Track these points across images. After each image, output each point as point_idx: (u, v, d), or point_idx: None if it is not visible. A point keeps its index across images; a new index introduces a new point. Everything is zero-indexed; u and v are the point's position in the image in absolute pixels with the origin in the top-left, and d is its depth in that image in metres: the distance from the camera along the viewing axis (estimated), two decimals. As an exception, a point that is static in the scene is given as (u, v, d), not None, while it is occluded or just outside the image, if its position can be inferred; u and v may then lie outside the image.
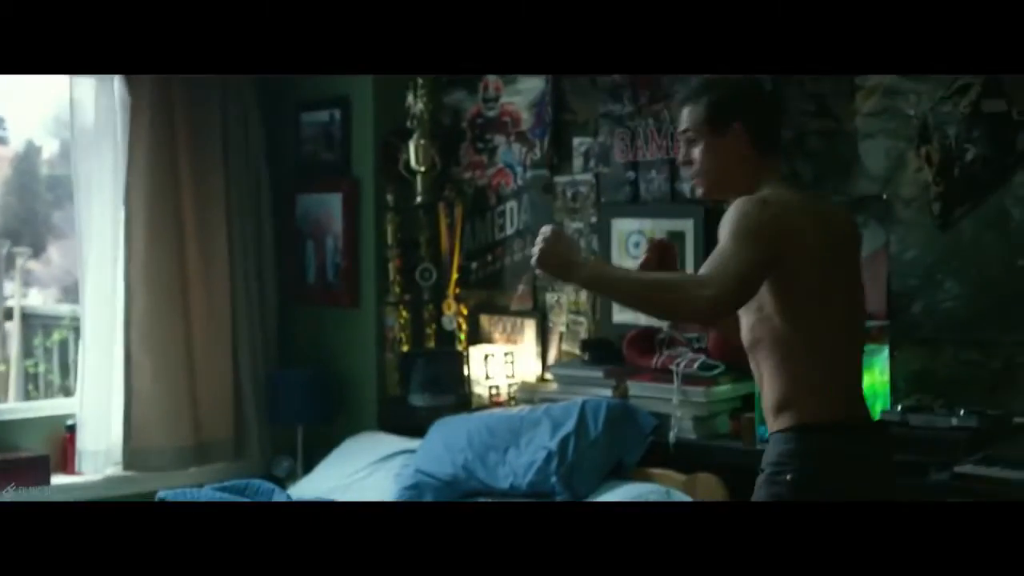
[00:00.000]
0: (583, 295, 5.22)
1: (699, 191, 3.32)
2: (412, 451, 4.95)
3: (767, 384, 3.17)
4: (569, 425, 4.54)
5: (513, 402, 5.21)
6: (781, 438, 3.12)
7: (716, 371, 4.53)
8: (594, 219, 5.18)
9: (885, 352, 4.27)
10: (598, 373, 4.81)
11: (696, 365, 4.54)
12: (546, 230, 3.04)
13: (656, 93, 4.96)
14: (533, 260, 3.05)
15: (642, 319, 4.95)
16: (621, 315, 5.08)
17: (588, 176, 5.21)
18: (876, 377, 4.28)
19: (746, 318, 3.16)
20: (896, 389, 4.31)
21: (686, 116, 3.24)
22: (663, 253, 3.40)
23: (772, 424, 3.18)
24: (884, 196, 4.36)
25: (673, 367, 4.56)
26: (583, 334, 5.22)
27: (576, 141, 5.25)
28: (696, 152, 3.23)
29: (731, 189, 3.19)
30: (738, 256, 2.94)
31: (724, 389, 4.54)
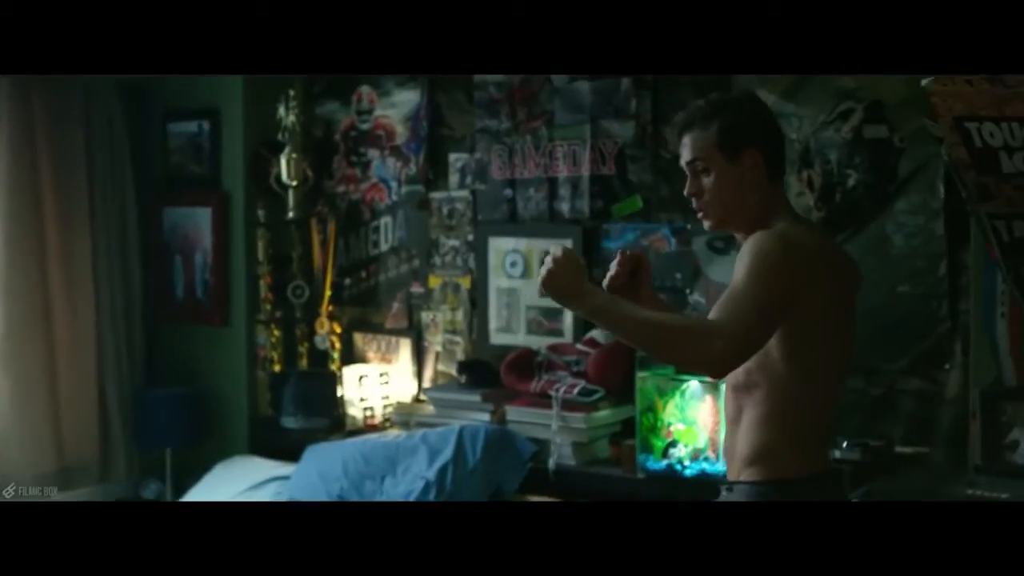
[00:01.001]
0: (459, 314, 5.04)
1: (707, 224, 2.92)
2: (285, 478, 4.72)
3: (749, 429, 2.84)
4: (447, 453, 4.35)
5: (388, 424, 5.01)
6: (755, 491, 2.83)
7: (595, 396, 4.39)
8: (471, 237, 5.00)
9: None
10: (476, 397, 4.63)
11: (576, 391, 4.38)
12: (556, 251, 2.68)
13: (534, 110, 4.78)
14: (540, 282, 2.70)
15: (519, 340, 4.80)
16: (499, 336, 4.91)
17: (464, 193, 5.02)
18: (757, 404, 4.17)
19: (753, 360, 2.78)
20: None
21: (692, 144, 2.86)
22: (635, 266, 3.04)
23: (741, 471, 2.86)
24: (765, 220, 4.23)
25: (552, 392, 4.40)
26: (460, 354, 5.03)
27: (452, 157, 5.06)
28: (706, 182, 2.85)
29: (743, 222, 2.87)
30: (754, 301, 2.62)
31: (604, 415, 4.41)
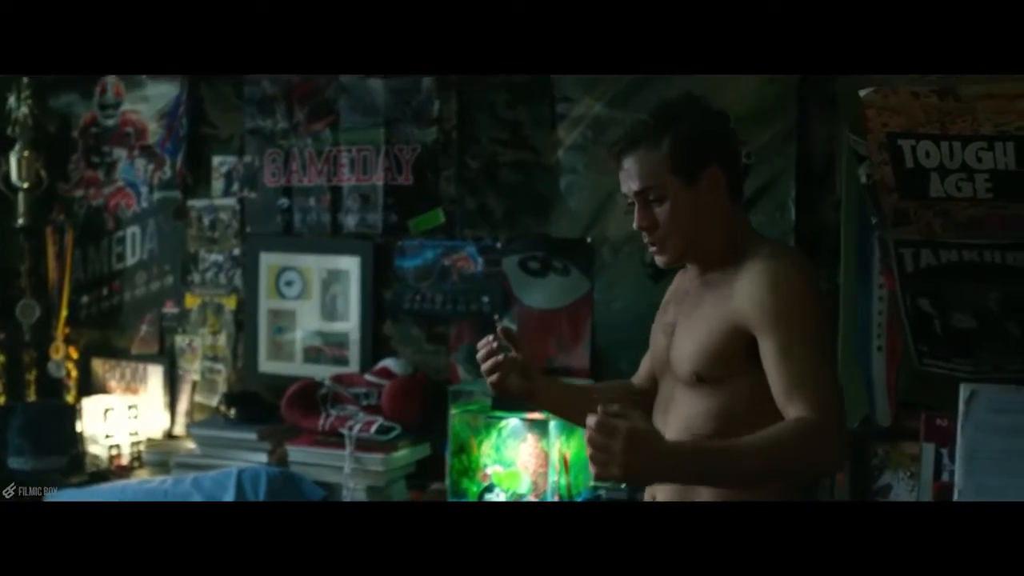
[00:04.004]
0: (221, 339, 4.27)
1: (661, 260, 2.39)
2: (22, 532, 3.83)
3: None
4: (226, 500, 3.60)
5: (137, 464, 4.20)
6: None
7: (393, 434, 3.75)
8: (237, 251, 4.24)
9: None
10: (250, 435, 3.90)
11: (374, 428, 3.72)
12: (615, 427, 1.97)
13: (317, 109, 4.09)
14: (616, 475, 1.99)
15: (295, 369, 4.10)
16: (270, 364, 4.19)
17: (231, 201, 4.27)
18: (581, 445, 3.61)
19: (716, 406, 2.32)
20: (599, 456, 3.66)
21: (639, 168, 2.32)
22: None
23: None
24: (588, 239, 3.71)
25: (345, 431, 3.72)
26: (222, 384, 4.27)
27: (216, 160, 4.31)
28: (660, 212, 2.32)
29: (704, 254, 2.38)
30: (822, 368, 2.17)
31: (403, 454, 3.80)
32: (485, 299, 3.87)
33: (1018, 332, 2.89)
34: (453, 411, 3.62)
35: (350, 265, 4.04)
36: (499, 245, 3.85)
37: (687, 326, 2.37)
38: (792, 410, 2.13)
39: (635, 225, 2.36)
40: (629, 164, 2.33)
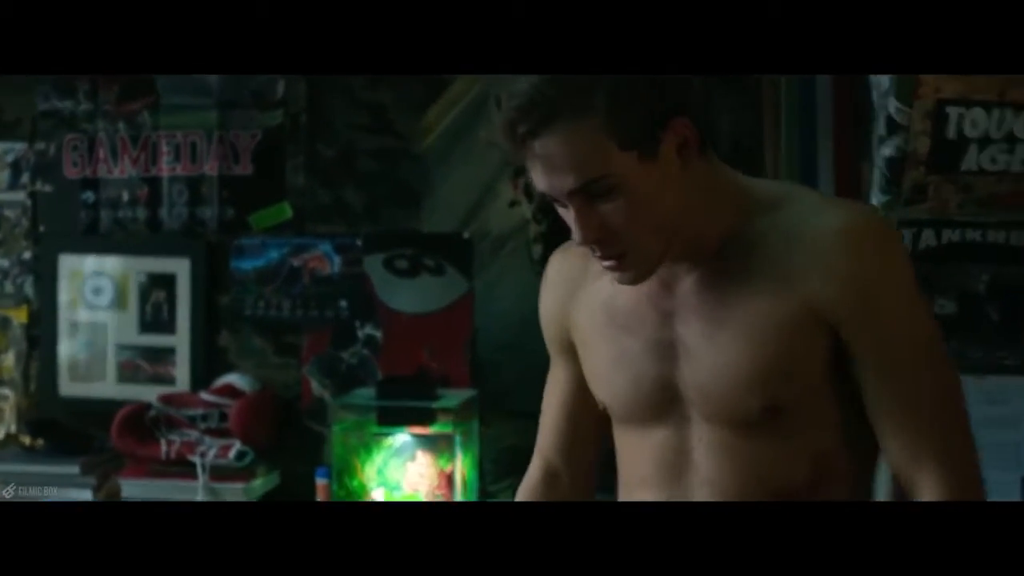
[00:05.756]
0: (8, 358, 3.61)
1: (629, 276, 1.57)
2: None
3: None
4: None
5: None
6: None
7: (248, 459, 3.26)
8: (28, 254, 3.59)
9: (475, 428, 3.24)
10: (71, 468, 3.28)
11: (232, 454, 3.21)
12: None
13: (130, 89, 3.52)
14: None
15: (108, 391, 3.52)
16: (73, 386, 3.58)
17: (19, 196, 3.61)
18: (466, 460, 3.23)
19: (802, 443, 1.60)
20: (485, 473, 3.32)
21: (568, 153, 1.46)
22: None
23: None
24: (466, 235, 3.35)
25: (196, 458, 3.19)
26: (9, 412, 3.61)
27: (1, 147, 3.61)
28: (614, 211, 1.51)
29: (698, 240, 1.58)
30: (952, 404, 1.56)
31: (261, 482, 3.31)
32: (343, 303, 3.42)
33: (998, 316, 2.77)
34: (334, 429, 3.17)
35: (178, 268, 3.48)
36: (359, 242, 3.41)
37: (721, 339, 1.58)
38: (921, 479, 1.55)
39: (577, 239, 1.54)
40: (548, 149, 1.47)
